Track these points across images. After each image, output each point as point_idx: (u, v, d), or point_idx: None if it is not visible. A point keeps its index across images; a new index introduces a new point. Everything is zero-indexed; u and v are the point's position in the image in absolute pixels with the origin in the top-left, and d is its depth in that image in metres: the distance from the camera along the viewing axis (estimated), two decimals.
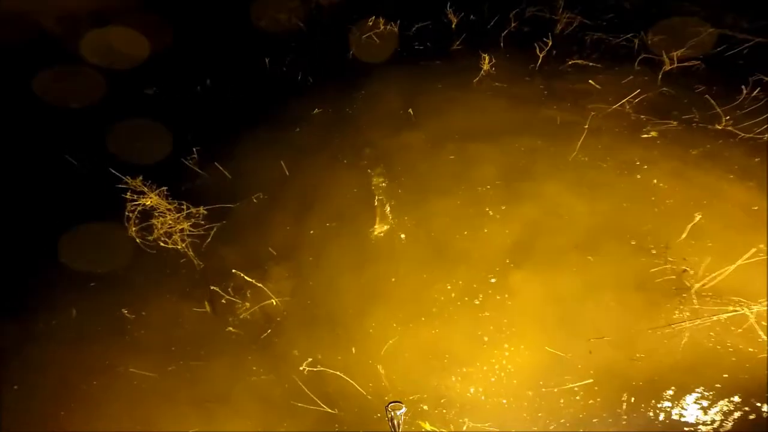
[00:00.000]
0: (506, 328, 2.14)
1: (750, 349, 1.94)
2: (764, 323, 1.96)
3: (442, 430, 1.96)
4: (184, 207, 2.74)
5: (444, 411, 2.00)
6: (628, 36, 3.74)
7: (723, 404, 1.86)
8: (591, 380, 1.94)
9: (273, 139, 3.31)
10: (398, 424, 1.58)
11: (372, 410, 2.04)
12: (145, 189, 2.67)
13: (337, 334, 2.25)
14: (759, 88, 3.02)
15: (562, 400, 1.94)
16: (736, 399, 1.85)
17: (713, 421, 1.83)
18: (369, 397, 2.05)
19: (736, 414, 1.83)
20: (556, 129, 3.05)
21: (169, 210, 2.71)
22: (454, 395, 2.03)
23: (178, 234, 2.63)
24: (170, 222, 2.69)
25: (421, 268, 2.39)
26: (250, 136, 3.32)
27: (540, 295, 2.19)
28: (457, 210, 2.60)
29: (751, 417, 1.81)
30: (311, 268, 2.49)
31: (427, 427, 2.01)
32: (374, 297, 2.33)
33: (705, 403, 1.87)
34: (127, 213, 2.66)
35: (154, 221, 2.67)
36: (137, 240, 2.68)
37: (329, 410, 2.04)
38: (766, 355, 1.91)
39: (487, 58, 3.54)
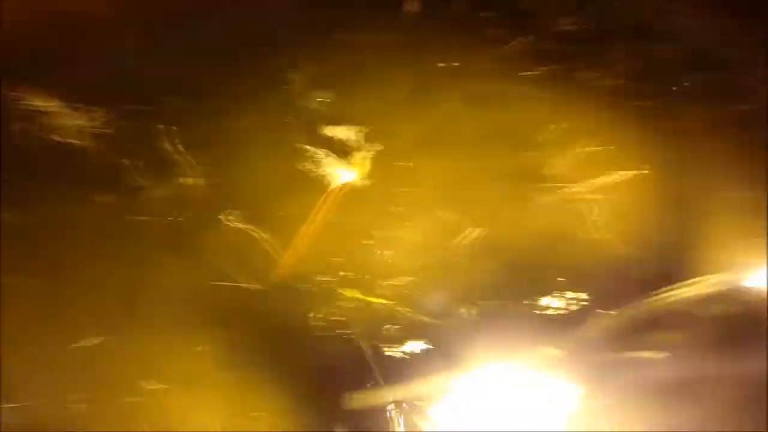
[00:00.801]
0: (410, 202, 2.54)
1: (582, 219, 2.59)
2: (589, 197, 2.63)
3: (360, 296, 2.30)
4: (93, 108, 2.55)
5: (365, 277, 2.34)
6: None
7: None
8: (480, 229, 2.44)
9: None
10: (399, 425, 1.62)
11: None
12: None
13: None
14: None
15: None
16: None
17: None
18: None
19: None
20: (457, 60, 3.49)
21: (61, 109, 2.52)
22: (370, 263, 2.37)
23: (74, 129, 2.46)
24: (63, 121, 2.50)
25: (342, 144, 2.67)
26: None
27: (435, 179, 2.64)
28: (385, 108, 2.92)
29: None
30: (225, 151, 2.59)
31: (348, 293, 2.32)
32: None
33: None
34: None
35: (54, 120, 2.46)
36: (20, 139, 2.45)
37: (252, 287, 2.23)
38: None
39: None
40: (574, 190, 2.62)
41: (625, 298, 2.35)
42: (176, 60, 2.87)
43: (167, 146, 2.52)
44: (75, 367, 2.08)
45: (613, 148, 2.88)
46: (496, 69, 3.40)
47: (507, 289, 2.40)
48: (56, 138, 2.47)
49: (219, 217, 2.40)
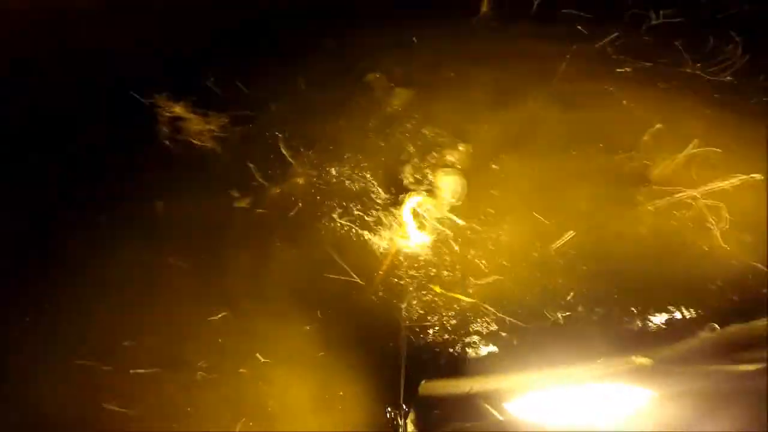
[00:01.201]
0: (502, 204, 2.58)
1: (696, 227, 2.40)
2: (709, 203, 2.42)
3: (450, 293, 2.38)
4: (210, 114, 3.01)
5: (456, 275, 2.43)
6: None
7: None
8: (576, 233, 2.39)
9: (285, 62, 3.55)
10: (399, 426, 1.63)
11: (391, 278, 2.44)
12: (170, 103, 2.95)
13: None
14: (729, 42, 3.46)
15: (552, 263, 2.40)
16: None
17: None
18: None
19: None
20: (542, 60, 3.42)
21: (195, 117, 2.98)
22: (459, 262, 2.45)
23: (207, 134, 2.92)
24: (197, 127, 2.96)
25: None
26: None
27: (526, 180, 2.64)
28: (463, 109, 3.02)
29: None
30: (327, 154, 2.87)
31: (438, 289, 2.42)
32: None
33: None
34: (158, 122, 2.94)
35: (182, 124, 2.95)
36: (167, 143, 2.95)
37: (358, 280, 2.42)
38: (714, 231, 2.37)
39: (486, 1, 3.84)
40: (684, 194, 2.43)
41: (735, 315, 2.17)
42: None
43: (282, 149, 2.88)
44: (202, 339, 2.41)
45: (727, 149, 2.64)
46: (589, 68, 3.38)
47: (601, 297, 2.31)
48: (193, 141, 2.93)
49: (326, 213, 2.66)
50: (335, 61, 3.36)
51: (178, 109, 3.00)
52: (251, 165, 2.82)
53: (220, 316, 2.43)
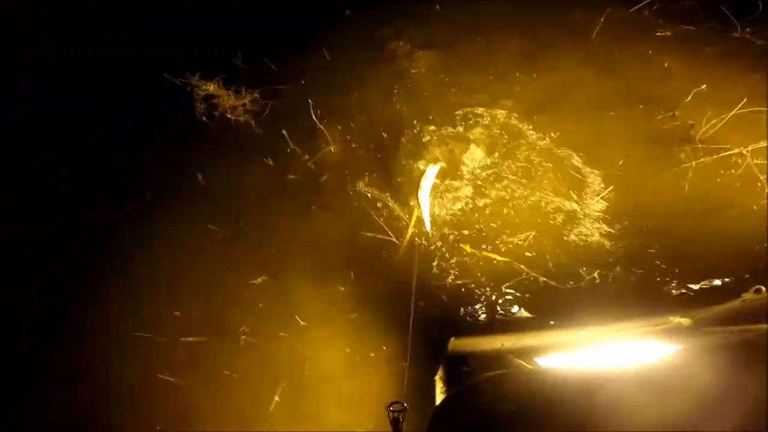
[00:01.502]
0: (536, 164, 2.56)
1: (746, 189, 2.27)
2: (758, 162, 2.29)
3: (476, 251, 2.38)
4: (241, 90, 3.13)
5: (480, 234, 2.42)
6: None
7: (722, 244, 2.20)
8: (611, 187, 2.33)
9: (307, 34, 3.55)
10: (399, 425, 1.55)
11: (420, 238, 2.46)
12: (203, 82, 3.08)
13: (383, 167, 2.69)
14: None
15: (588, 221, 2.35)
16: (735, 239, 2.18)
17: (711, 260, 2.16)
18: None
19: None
20: (575, 22, 3.31)
21: (228, 94, 3.11)
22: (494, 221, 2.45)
23: (240, 108, 3.03)
24: (230, 102, 3.09)
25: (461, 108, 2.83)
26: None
27: (561, 140, 2.58)
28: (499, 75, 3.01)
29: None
30: (354, 122, 2.93)
31: (468, 249, 2.42)
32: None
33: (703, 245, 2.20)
34: (193, 100, 3.09)
35: (216, 101, 3.08)
36: (204, 119, 3.10)
37: (392, 238, 2.44)
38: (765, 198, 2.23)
39: None
40: (731, 152, 2.32)
41: None
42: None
43: (312, 119, 2.93)
44: (244, 305, 2.49)
45: None
46: (625, 31, 3.21)
47: (640, 257, 2.23)
48: (228, 116, 3.06)
49: (355, 178, 2.73)
50: (356, 30, 3.40)
51: (212, 87, 3.14)
52: (284, 133, 2.89)
53: (260, 280, 2.52)
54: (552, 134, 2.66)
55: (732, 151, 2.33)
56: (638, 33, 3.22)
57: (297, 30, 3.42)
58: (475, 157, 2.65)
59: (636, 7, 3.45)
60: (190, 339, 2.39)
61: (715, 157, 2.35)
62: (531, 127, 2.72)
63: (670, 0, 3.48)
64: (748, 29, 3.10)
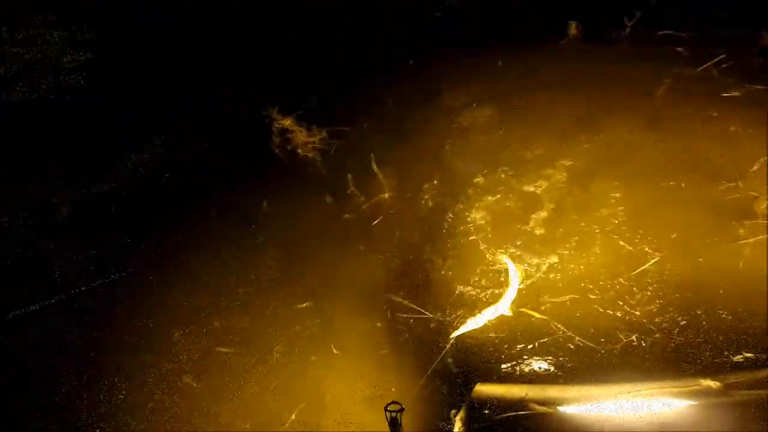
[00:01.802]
0: (590, 229, 2.61)
1: None
2: None
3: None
4: (313, 128, 3.48)
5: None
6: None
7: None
8: (659, 257, 2.35)
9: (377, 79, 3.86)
10: (398, 425, 1.59)
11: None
12: (280, 116, 3.48)
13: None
14: None
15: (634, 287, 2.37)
16: None
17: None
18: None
19: None
20: (637, 84, 3.33)
21: (300, 130, 3.48)
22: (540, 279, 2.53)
23: (310, 146, 3.38)
24: (302, 139, 3.45)
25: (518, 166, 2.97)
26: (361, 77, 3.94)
27: (624, 203, 2.64)
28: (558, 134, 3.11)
29: None
30: (412, 172, 3.15)
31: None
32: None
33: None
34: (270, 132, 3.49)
35: (290, 136, 3.45)
36: (277, 151, 3.47)
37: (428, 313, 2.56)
38: None
39: (573, 24, 3.84)
40: None
41: None
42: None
43: (370, 165, 3.21)
44: (285, 324, 2.67)
45: None
46: (690, 91, 3.21)
47: (683, 326, 2.20)
48: (298, 151, 3.41)
49: (405, 229, 2.92)
50: (418, 80, 3.65)
51: (288, 123, 3.52)
52: (348, 175, 3.19)
53: (304, 305, 2.72)
54: (608, 199, 2.69)
55: None
56: (705, 93, 3.19)
57: (365, 75, 3.77)
58: (524, 217, 2.74)
59: (704, 66, 3.42)
60: (222, 349, 2.55)
61: None
62: (587, 191, 2.77)
63: (741, 57, 3.42)
64: None
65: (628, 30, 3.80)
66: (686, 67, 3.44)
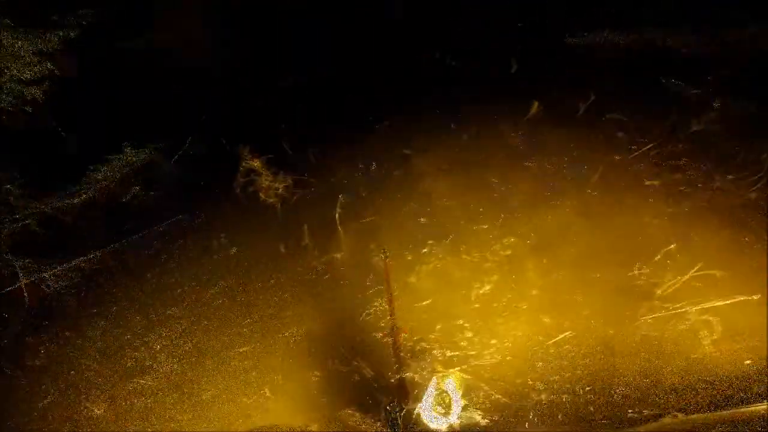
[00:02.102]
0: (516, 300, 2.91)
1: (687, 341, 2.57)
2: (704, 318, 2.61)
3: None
4: (279, 173, 3.69)
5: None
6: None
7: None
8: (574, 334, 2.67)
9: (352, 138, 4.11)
10: (398, 425, 1.67)
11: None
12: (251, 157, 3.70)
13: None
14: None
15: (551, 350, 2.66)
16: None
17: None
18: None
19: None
20: (578, 168, 3.69)
21: (267, 174, 3.68)
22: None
23: (273, 191, 3.57)
24: (267, 183, 3.65)
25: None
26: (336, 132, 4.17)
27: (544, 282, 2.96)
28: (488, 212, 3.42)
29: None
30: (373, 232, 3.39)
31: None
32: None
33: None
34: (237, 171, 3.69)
35: (255, 178, 3.65)
36: (238, 190, 3.66)
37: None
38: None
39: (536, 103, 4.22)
40: (683, 311, 2.64)
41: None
42: None
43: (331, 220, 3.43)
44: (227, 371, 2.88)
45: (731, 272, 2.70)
46: (621, 178, 3.53)
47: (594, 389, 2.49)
48: (260, 195, 3.61)
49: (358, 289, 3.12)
50: (386, 143, 3.91)
51: (257, 164, 3.71)
52: (305, 227, 3.39)
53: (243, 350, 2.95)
54: (536, 277, 3.00)
55: (682, 310, 2.65)
56: (630, 182, 3.49)
57: (342, 131, 4.01)
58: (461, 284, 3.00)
59: (636, 153, 3.82)
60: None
61: (666, 314, 2.67)
62: (520, 268, 3.06)
63: (670, 144, 3.83)
64: (731, 178, 3.33)
65: (581, 112, 4.22)
66: (622, 153, 3.83)
